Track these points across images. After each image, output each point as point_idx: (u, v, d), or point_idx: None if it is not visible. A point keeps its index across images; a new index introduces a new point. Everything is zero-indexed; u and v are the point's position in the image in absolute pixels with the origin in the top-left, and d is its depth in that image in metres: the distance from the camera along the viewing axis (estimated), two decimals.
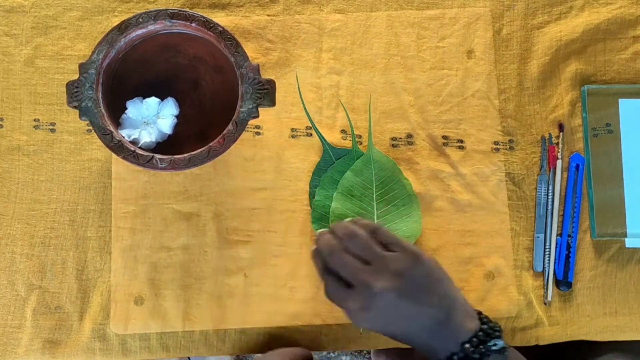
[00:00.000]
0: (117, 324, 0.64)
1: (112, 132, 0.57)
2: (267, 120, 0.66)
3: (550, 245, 0.66)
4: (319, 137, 0.65)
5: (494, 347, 0.53)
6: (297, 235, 0.65)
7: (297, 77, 0.66)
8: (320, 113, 0.67)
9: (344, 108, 0.66)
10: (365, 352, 1.24)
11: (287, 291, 0.64)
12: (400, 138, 0.67)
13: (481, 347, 0.53)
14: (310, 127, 0.66)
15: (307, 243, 0.65)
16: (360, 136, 0.66)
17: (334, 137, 0.66)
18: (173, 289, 0.64)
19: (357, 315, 0.53)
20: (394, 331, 0.54)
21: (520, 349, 0.66)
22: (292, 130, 0.66)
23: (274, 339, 0.64)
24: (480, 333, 0.53)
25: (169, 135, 0.61)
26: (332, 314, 0.64)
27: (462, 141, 0.67)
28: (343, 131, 0.66)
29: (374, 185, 0.64)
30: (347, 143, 0.66)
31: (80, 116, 0.57)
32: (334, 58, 0.67)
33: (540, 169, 0.67)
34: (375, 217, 0.64)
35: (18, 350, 0.64)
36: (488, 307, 0.65)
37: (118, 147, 0.57)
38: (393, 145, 0.66)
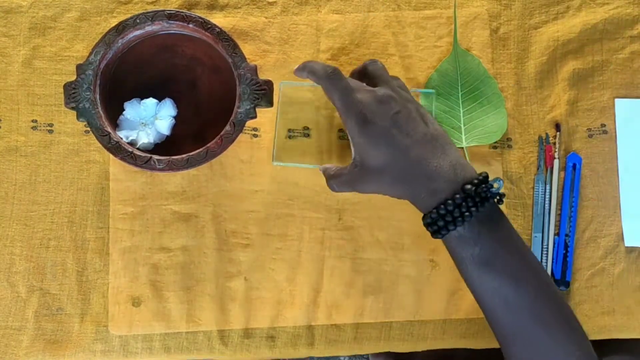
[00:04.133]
0: (117, 326, 0.64)
1: (109, 133, 0.57)
2: (264, 123, 0.66)
3: (547, 245, 0.66)
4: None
5: (493, 190, 0.51)
6: (295, 239, 0.65)
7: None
8: (318, 113, 0.67)
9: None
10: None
11: (287, 295, 0.65)
12: None
13: (483, 186, 0.51)
14: (308, 128, 0.66)
15: (304, 247, 0.65)
16: None
17: (331, 137, 0.66)
18: (175, 291, 0.64)
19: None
20: (385, 158, 0.53)
21: None
22: (289, 131, 0.66)
23: (276, 341, 0.65)
24: (479, 178, 0.52)
25: (167, 136, 0.61)
26: (331, 317, 0.64)
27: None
28: (340, 130, 0.66)
29: (460, 84, 0.66)
30: (344, 143, 0.66)
31: (77, 117, 0.57)
32: (331, 59, 0.67)
33: (538, 169, 0.67)
34: (461, 114, 0.66)
35: (19, 352, 0.64)
36: None
37: (116, 148, 0.57)
38: None
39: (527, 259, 0.53)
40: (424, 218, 0.54)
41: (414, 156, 0.53)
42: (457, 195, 0.51)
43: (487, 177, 0.52)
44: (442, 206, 0.51)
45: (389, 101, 0.54)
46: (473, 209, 0.51)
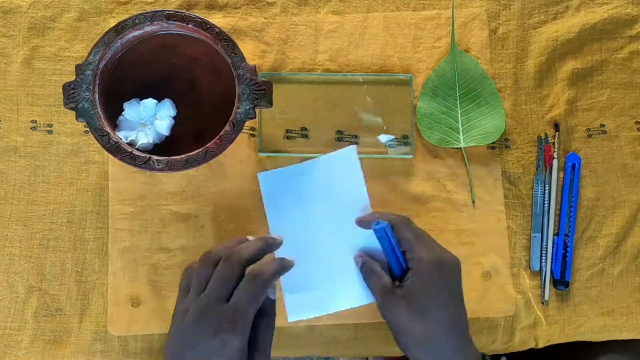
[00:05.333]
0: (116, 326, 0.64)
1: (109, 133, 0.57)
2: (261, 122, 0.66)
3: (547, 245, 0.66)
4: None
5: None
6: None
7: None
8: (316, 114, 0.67)
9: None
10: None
11: None
12: (396, 138, 0.67)
13: None
14: (306, 129, 0.66)
15: None
16: (356, 136, 0.66)
17: (329, 137, 0.66)
18: (175, 291, 0.64)
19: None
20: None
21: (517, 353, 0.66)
22: (287, 131, 0.66)
23: (276, 341, 0.64)
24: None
25: (166, 136, 0.61)
26: (331, 316, 0.64)
27: None
28: (338, 132, 0.67)
29: (457, 85, 0.66)
30: (342, 144, 0.66)
31: (77, 118, 0.57)
32: (330, 59, 0.67)
33: (537, 169, 0.67)
34: (459, 114, 0.66)
35: (18, 352, 0.64)
36: (486, 306, 0.65)
37: (115, 149, 0.57)
38: (389, 146, 0.66)
39: None
40: None
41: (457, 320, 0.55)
42: None
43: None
44: None
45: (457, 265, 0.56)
46: None
